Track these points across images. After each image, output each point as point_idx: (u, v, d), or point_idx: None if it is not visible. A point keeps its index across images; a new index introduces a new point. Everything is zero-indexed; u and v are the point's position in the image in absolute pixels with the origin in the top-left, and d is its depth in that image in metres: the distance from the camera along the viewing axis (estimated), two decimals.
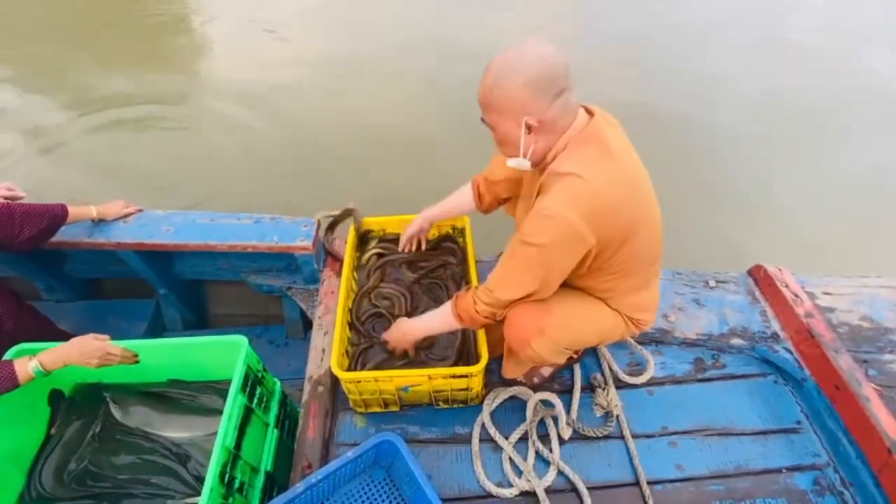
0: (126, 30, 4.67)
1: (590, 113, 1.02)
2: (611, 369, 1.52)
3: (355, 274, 1.66)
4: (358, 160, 3.12)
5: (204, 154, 3.24)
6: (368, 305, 1.60)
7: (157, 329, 2.11)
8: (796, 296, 1.58)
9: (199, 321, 2.23)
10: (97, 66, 4.13)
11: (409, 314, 1.51)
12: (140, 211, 1.75)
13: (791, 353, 1.50)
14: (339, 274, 1.71)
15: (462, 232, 1.72)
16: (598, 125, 0.98)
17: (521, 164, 1.01)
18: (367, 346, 1.49)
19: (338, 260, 1.75)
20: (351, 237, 1.67)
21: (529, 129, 0.95)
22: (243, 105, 3.63)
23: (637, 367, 1.55)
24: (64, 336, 1.37)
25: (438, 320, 1.26)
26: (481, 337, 1.31)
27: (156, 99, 3.73)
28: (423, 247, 1.68)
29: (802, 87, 3.86)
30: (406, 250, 1.66)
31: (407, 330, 1.34)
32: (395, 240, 1.72)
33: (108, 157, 3.20)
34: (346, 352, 1.44)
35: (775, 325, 1.59)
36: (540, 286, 1.04)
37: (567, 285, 1.18)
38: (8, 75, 4.12)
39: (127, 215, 1.72)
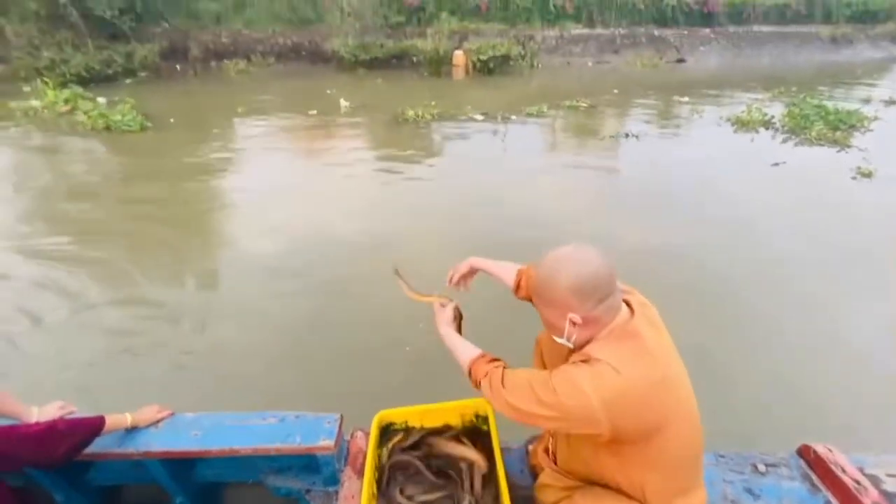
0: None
1: (630, 306, 1.09)
2: None
3: (377, 474, 1.59)
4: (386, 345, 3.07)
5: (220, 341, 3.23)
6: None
7: None
8: (858, 482, 1.44)
9: None
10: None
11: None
12: (171, 415, 1.78)
13: None
14: (360, 474, 1.64)
15: (486, 420, 1.67)
16: (639, 324, 1.05)
17: (565, 343, 1.10)
18: None
19: None
20: (373, 434, 1.65)
21: (574, 323, 1.03)
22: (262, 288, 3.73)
23: None
24: None
25: (459, 350, 1.34)
26: None
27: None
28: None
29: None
30: (452, 284, 1.65)
31: (440, 325, 1.44)
32: (420, 437, 1.69)
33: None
34: None
35: None
36: (541, 418, 1.04)
37: (599, 484, 1.13)
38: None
39: (159, 420, 1.74)
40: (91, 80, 10.88)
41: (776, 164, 6.15)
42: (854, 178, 5.73)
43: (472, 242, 4.24)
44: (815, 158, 6.62)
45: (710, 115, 9.16)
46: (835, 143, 7.03)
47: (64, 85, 9.45)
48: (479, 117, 8.49)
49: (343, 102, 9.32)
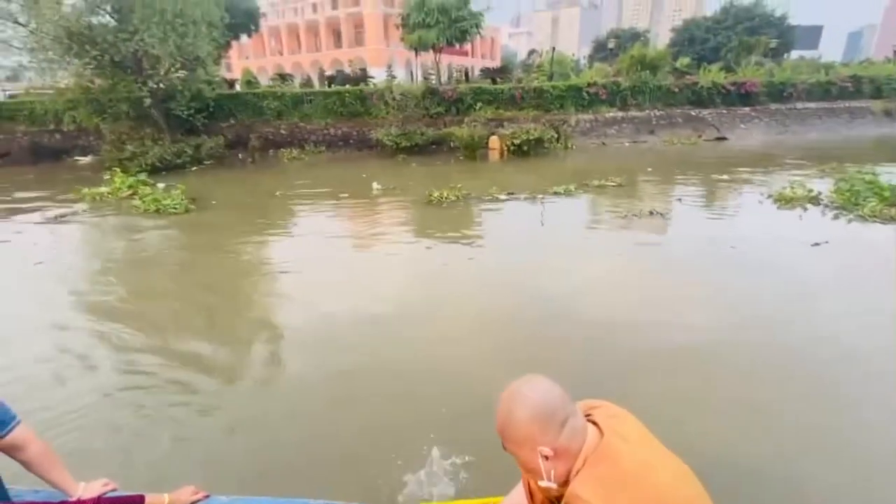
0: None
1: (598, 425, 1.07)
2: None
3: None
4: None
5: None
6: None
7: None
8: None
9: None
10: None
11: None
12: (207, 497, 1.75)
13: None
14: None
15: None
16: (609, 445, 1.03)
17: (549, 485, 1.07)
18: None
19: None
20: None
21: (546, 457, 1.03)
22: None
23: None
24: None
25: None
26: None
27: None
28: None
29: None
30: None
31: None
32: None
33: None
34: None
35: None
36: None
37: None
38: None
39: (194, 502, 1.71)
40: (163, 168, 12.36)
41: (816, 245, 5.62)
42: None
43: (497, 327, 4.06)
44: (865, 237, 6.02)
45: (751, 192, 8.77)
46: (891, 220, 6.41)
47: (139, 173, 10.76)
48: (503, 197, 8.61)
49: (375, 186, 9.84)
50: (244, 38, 33.48)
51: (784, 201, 7.82)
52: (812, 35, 52.62)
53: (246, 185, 11.41)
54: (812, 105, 19.34)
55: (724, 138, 18.00)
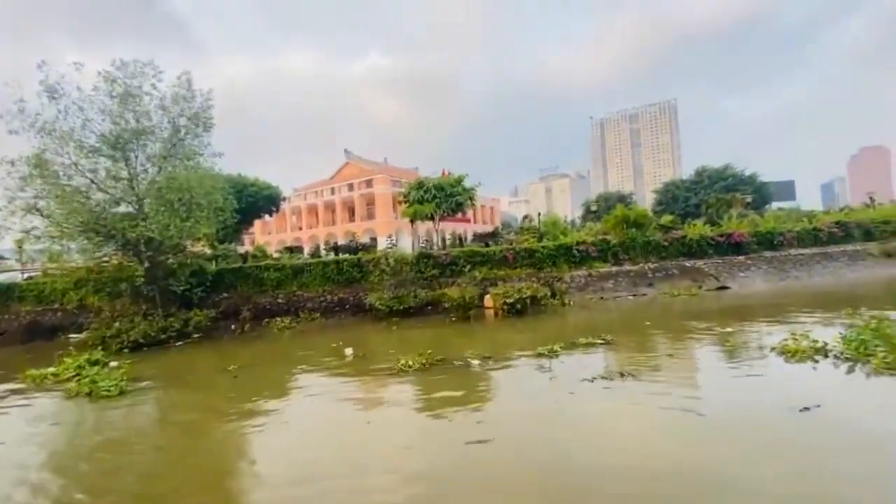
0: None
1: None
2: None
3: None
4: None
5: None
6: None
7: None
8: None
9: None
10: None
11: None
12: None
13: None
14: None
15: None
16: None
17: None
18: None
19: None
20: None
21: None
22: None
23: None
24: None
25: None
26: None
27: None
28: None
29: None
30: None
31: None
32: None
33: None
34: None
35: None
36: None
37: None
38: None
39: None
40: (146, 344, 12.12)
41: (805, 409, 4.68)
42: None
43: None
44: (872, 396, 5.05)
45: (755, 344, 7.96)
46: None
47: (120, 350, 10.47)
48: (476, 362, 7.92)
49: (348, 353, 9.32)
50: (267, 217, 37.47)
51: (790, 354, 6.97)
52: (787, 188, 56.55)
53: (214, 359, 10.85)
54: (806, 251, 19.39)
55: (725, 287, 17.63)
